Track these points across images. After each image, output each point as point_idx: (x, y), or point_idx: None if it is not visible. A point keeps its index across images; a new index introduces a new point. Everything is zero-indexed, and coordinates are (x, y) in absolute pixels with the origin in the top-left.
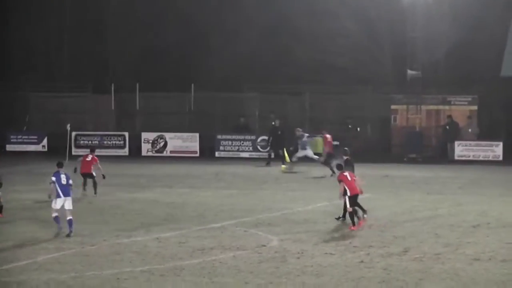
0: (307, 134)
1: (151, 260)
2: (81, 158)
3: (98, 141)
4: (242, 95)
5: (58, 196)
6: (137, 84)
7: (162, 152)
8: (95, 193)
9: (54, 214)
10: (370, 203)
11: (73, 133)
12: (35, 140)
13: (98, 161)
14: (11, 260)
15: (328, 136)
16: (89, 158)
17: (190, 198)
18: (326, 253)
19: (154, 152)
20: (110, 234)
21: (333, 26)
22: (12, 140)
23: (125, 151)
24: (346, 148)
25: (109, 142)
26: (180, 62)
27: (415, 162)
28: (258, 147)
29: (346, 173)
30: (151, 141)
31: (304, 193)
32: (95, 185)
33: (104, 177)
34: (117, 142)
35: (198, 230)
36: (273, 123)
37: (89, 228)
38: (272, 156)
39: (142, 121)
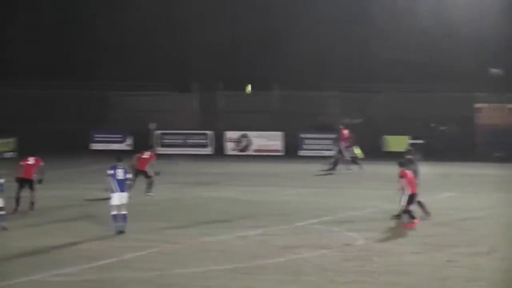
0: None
1: (236, 258)
2: (137, 155)
3: (182, 140)
4: (324, 93)
5: (114, 190)
6: (220, 83)
7: (245, 150)
8: (148, 192)
9: (113, 212)
10: (454, 202)
11: (158, 132)
12: (119, 139)
13: (154, 158)
14: (97, 258)
15: (345, 131)
16: (146, 155)
17: (273, 196)
18: (411, 252)
19: (237, 150)
20: (194, 233)
21: (414, 24)
22: (95, 139)
23: (208, 150)
24: (410, 148)
25: (192, 141)
26: (263, 60)
27: (500, 161)
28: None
29: (408, 171)
30: (234, 140)
31: (386, 192)
32: (150, 184)
33: (158, 173)
34: (200, 140)
35: (282, 228)
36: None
37: (174, 227)
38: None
39: (225, 120)
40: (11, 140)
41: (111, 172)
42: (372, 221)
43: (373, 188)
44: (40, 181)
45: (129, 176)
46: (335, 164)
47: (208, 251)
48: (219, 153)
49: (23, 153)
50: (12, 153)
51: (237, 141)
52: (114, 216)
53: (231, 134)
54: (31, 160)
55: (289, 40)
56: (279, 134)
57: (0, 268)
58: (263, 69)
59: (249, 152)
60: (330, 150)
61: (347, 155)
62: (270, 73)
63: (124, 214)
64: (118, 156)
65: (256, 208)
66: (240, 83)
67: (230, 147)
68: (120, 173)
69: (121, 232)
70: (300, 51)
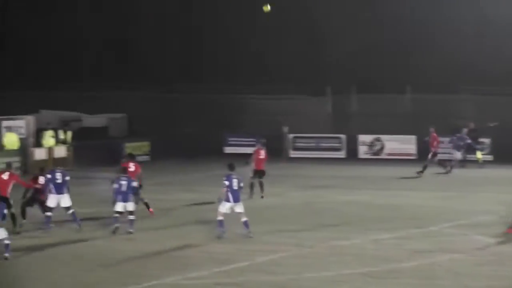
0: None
1: (368, 262)
2: (254, 156)
3: (315, 143)
4: (458, 96)
5: (228, 200)
6: (353, 86)
7: (378, 154)
8: (263, 193)
9: (220, 218)
10: None
11: (291, 136)
12: (253, 142)
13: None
14: (229, 261)
15: (435, 135)
16: (263, 155)
17: (405, 200)
18: None
19: (370, 154)
20: (326, 236)
21: None
22: (230, 142)
23: (341, 154)
24: None
25: (325, 145)
26: (396, 63)
27: None
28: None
29: None
30: (367, 143)
31: None
32: (261, 185)
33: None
34: (333, 144)
35: (414, 232)
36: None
37: (305, 230)
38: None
39: (358, 123)
40: (145, 143)
41: (227, 183)
42: (503, 225)
43: (504, 192)
44: (140, 186)
45: (242, 184)
46: (450, 166)
47: (340, 255)
48: (352, 156)
49: (157, 156)
50: (146, 156)
51: (370, 145)
52: (220, 221)
53: (364, 138)
54: (132, 167)
55: (422, 43)
56: (412, 138)
57: (133, 270)
58: (396, 72)
59: (382, 156)
60: (452, 153)
61: (430, 159)
62: (403, 75)
63: (245, 221)
64: (231, 164)
65: (388, 212)
66: (373, 85)
67: (363, 151)
68: (235, 183)
69: (219, 237)
70: (433, 54)
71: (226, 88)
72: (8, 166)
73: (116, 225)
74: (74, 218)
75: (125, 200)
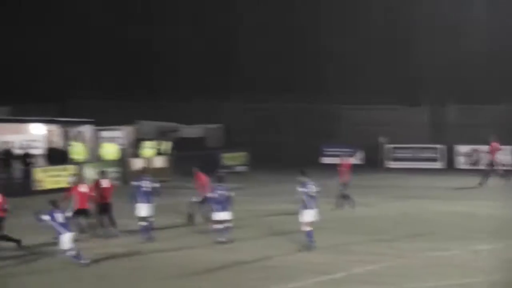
0: None
1: (467, 273)
2: (342, 169)
3: (412, 154)
4: None
5: (306, 207)
6: (451, 96)
7: (477, 165)
8: (353, 205)
9: (306, 228)
10: None
11: (389, 146)
12: (350, 153)
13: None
14: (326, 272)
15: (494, 144)
16: (347, 163)
17: (504, 210)
18: None
19: (469, 165)
20: (423, 247)
21: None
22: (325, 153)
23: (439, 164)
24: None
25: (422, 155)
26: (492, 73)
27: None
28: None
29: None
30: (465, 154)
31: None
32: (347, 196)
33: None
34: (431, 155)
35: None
36: None
37: (402, 240)
38: None
39: (456, 134)
40: (242, 154)
41: (304, 189)
42: None
43: None
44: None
45: (319, 189)
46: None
47: (438, 266)
48: (450, 167)
49: (254, 167)
50: (244, 167)
51: (468, 155)
52: (308, 232)
53: (462, 148)
54: (202, 177)
55: None
56: (508, 149)
57: (229, 280)
58: (493, 82)
59: (481, 167)
60: None
61: (493, 170)
62: (501, 85)
63: (309, 231)
64: (303, 171)
65: (487, 222)
66: (470, 96)
67: (460, 161)
68: (311, 189)
69: (310, 248)
70: None
71: (322, 98)
72: (80, 178)
73: (220, 239)
74: (148, 227)
75: (222, 209)
